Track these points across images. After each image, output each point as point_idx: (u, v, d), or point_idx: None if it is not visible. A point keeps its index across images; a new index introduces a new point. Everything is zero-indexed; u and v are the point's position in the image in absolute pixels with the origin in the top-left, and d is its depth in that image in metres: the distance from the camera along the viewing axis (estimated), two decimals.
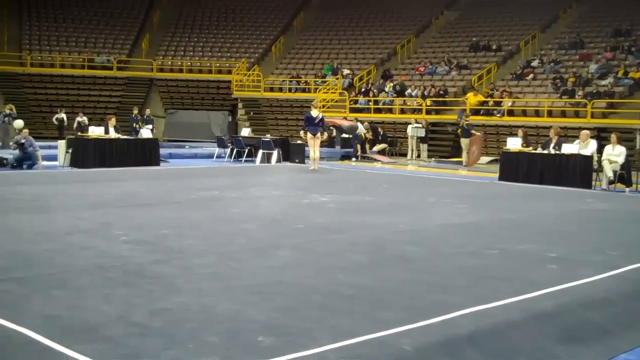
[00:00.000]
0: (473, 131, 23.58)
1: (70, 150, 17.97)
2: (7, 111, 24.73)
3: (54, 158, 18.72)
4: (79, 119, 27.46)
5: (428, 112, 27.41)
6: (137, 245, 7.33)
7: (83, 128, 25.71)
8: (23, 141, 17.20)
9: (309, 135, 18.90)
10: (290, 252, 7.35)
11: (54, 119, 28.74)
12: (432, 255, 7.45)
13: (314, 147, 18.89)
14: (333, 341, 4.43)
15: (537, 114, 25.09)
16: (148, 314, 4.88)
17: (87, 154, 17.92)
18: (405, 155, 26.24)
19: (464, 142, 23.30)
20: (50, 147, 20.20)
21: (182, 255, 6.97)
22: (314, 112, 19.04)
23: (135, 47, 36.89)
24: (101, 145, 18.32)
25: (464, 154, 23.25)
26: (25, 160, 17.19)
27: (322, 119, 19.15)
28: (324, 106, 29.95)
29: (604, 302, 5.83)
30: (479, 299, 5.55)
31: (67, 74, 34.12)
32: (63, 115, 28.41)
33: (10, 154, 18.29)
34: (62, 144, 18.52)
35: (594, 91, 24.46)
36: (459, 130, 23.82)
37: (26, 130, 17.78)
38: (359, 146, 24.95)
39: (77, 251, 6.96)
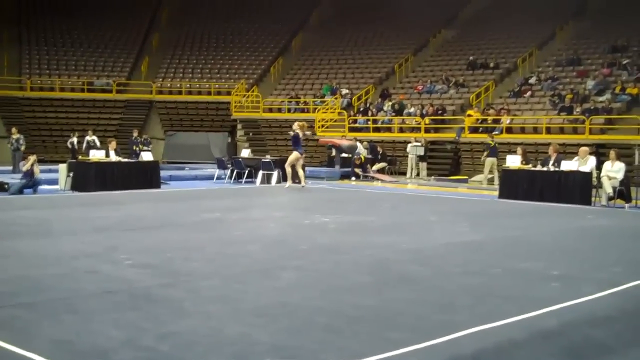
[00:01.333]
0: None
1: (71, 174, 18.02)
2: (14, 137, 24.79)
3: (54, 182, 18.77)
4: (88, 138, 27.19)
5: (427, 130, 27.52)
6: (143, 269, 7.37)
7: (92, 147, 25.70)
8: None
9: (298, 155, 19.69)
10: (294, 274, 7.40)
11: (67, 143, 28.24)
12: (436, 274, 7.50)
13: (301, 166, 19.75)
14: None
15: (536, 131, 25.21)
16: (156, 338, 4.92)
17: (88, 178, 17.97)
18: (404, 174, 26.32)
19: (491, 161, 23.18)
20: (50, 171, 20.27)
21: (188, 278, 7.02)
22: (300, 133, 19.89)
23: (134, 70, 37.10)
24: (102, 168, 18.38)
25: (486, 173, 23.22)
26: (28, 187, 17.23)
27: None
28: (322, 126, 30.12)
29: (607, 320, 5.87)
30: (483, 318, 5.60)
31: (66, 97, 34.32)
32: (75, 139, 28.01)
33: (11, 178, 18.37)
34: (62, 167, 18.57)
35: (592, 107, 24.59)
36: (486, 152, 23.51)
37: (33, 157, 17.74)
38: (355, 164, 25.02)
39: (83, 276, 7.01)
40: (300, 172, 19.85)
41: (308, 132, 20.16)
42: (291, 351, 4.73)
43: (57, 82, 34.69)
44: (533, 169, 17.83)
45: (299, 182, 19.64)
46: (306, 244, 9.41)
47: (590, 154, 17.46)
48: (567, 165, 16.71)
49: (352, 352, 4.71)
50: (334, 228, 11.12)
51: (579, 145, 19.67)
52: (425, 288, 6.80)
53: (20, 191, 17.07)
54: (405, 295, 6.46)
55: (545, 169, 17.25)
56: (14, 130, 25.50)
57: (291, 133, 20.41)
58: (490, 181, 23.08)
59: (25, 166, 17.60)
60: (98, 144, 25.44)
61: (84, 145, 26.87)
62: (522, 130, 25.60)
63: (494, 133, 24.77)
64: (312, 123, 30.44)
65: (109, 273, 7.16)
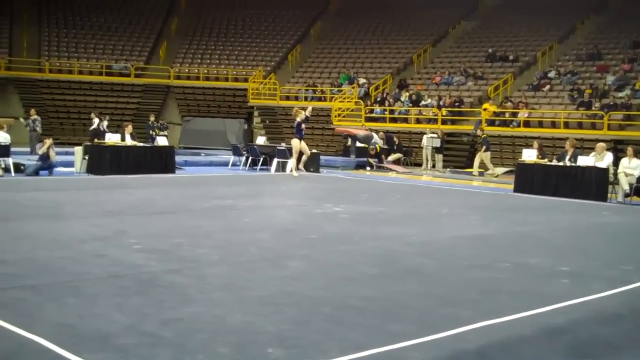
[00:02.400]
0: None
1: (86, 157, 18.09)
2: (32, 118, 24.89)
3: (70, 164, 18.86)
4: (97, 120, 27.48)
5: (444, 122, 27.39)
6: (151, 254, 7.38)
7: (100, 131, 25.76)
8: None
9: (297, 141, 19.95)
10: (301, 263, 7.38)
11: (96, 126, 27.98)
12: (443, 267, 7.45)
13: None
14: (342, 354, 4.45)
15: (554, 125, 25.02)
16: (160, 324, 4.91)
17: (103, 161, 18.04)
18: (420, 165, 26.22)
19: (486, 156, 23.27)
20: (67, 154, 20.36)
21: (195, 265, 7.01)
22: (299, 118, 20.09)
23: (152, 55, 37.16)
24: (117, 152, 18.44)
25: (489, 164, 23.42)
26: (43, 169, 17.33)
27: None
28: (339, 115, 30.05)
29: (615, 318, 5.81)
30: (489, 313, 5.55)
31: (85, 81, 34.40)
32: (105, 123, 27.71)
33: (28, 159, 18.48)
34: (78, 150, 18.64)
35: (611, 103, 24.36)
36: (481, 147, 23.66)
37: (49, 140, 17.82)
38: (371, 154, 24.92)
39: (91, 259, 7.02)
40: (294, 161, 20.01)
41: (306, 114, 20.04)
42: (294, 341, 4.71)
43: (75, 64, 34.79)
44: (549, 163, 17.69)
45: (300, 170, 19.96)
46: (316, 233, 9.39)
47: (608, 149, 17.29)
48: (583, 161, 16.56)
49: (355, 343, 4.68)
50: (345, 218, 11.09)
51: (597, 140, 19.49)
52: (431, 281, 6.76)
53: (36, 173, 17.18)
54: (411, 288, 6.42)
55: (561, 163, 17.11)
56: (32, 111, 25.62)
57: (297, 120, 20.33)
58: (488, 173, 23.32)
59: (41, 149, 17.69)
60: (104, 127, 25.36)
61: (92, 127, 26.91)
62: (540, 125, 25.42)
63: (479, 126, 24.93)
64: (328, 112, 30.43)
65: (116, 257, 7.16)
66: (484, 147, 23.52)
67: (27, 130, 24.73)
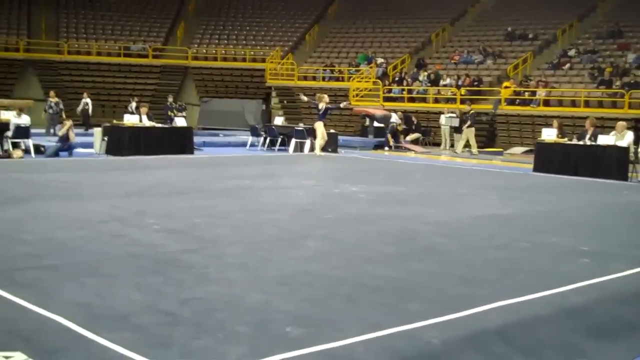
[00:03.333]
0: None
1: (106, 138, 18.16)
2: (52, 100, 25.00)
3: (90, 145, 18.97)
4: (84, 100, 27.47)
5: (462, 101, 27.21)
6: (169, 234, 7.41)
7: (87, 111, 25.85)
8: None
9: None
10: (319, 243, 7.38)
11: (128, 108, 27.41)
12: (462, 247, 7.42)
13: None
14: (360, 333, 4.45)
15: (574, 104, 24.77)
16: (178, 303, 4.94)
17: (122, 142, 18.09)
18: (439, 144, 26.08)
19: (471, 132, 23.83)
20: (85, 135, 20.48)
21: (213, 245, 7.03)
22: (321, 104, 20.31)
23: (170, 35, 37.14)
24: (136, 133, 18.49)
25: (464, 141, 23.94)
26: (63, 150, 17.44)
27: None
28: (357, 95, 29.94)
29: (635, 298, 5.77)
30: (508, 292, 5.53)
31: (103, 62, 34.48)
32: (134, 104, 27.56)
33: (48, 141, 18.60)
34: (97, 131, 18.76)
35: (632, 81, 24.08)
36: (466, 123, 24.10)
37: (69, 122, 17.91)
38: (389, 136, 24.80)
39: (109, 239, 7.06)
40: (318, 142, 20.15)
41: (327, 105, 20.30)
42: (312, 320, 4.72)
43: (94, 46, 34.87)
44: (569, 142, 17.54)
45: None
46: (333, 213, 9.38)
47: (629, 128, 17.12)
48: (604, 140, 16.40)
49: (373, 323, 4.68)
50: (363, 198, 11.07)
51: (617, 119, 19.28)
52: (449, 260, 6.74)
53: (56, 154, 17.30)
54: (429, 268, 6.40)
55: (581, 142, 16.96)
56: (52, 93, 25.74)
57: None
58: (466, 148, 23.87)
59: (61, 130, 17.80)
60: (60, 107, 25.31)
61: (80, 107, 27.09)
62: (560, 103, 25.18)
63: (468, 103, 25.12)
64: (346, 92, 30.31)
65: (134, 237, 7.20)
66: (468, 122, 23.84)
67: (48, 113, 24.79)
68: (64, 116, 24.11)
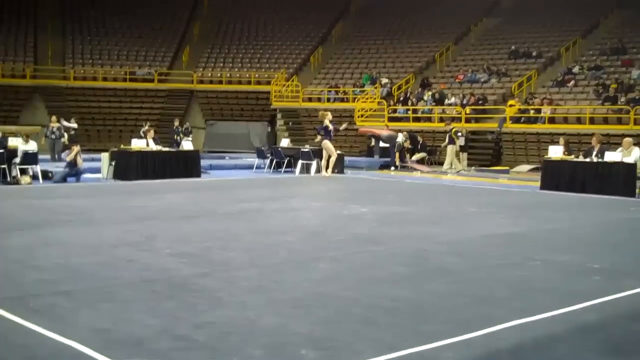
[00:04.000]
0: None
1: (113, 163, 18.24)
2: (54, 125, 24.44)
3: (97, 170, 19.04)
4: (65, 123, 25.93)
5: (467, 120, 27.27)
6: (181, 258, 7.43)
7: (70, 134, 24.87)
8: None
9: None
10: (330, 265, 7.39)
11: (141, 132, 26.84)
12: (474, 266, 7.42)
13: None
14: (375, 354, 4.45)
15: (579, 121, 24.80)
16: (193, 328, 4.95)
17: (129, 167, 18.15)
18: (440, 164, 26.14)
19: (451, 150, 24.27)
20: (93, 160, 20.56)
21: (226, 268, 7.05)
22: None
23: (175, 60, 37.40)
24: (143, 157, 18.56)
25: (449, 160, 24.38)
26: (71, 176, 17.51)
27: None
28: (362, 115, 30.04)
29: None
30: (521, 311, 5.52)
31: (109, 87, 34.73)
32: (146, 127, 26.83)
33: (56, 166, 18.67)
34: (105, 156, 18.82)
35: (637, 97, 24.11)
36: (447, 140, 24.57)
37: (77, 147, 17.91)
38: (397, 154, 24.89)
39: (122, 264, 7.09)
40: (324, 163, 20.38)
41: (330, 124, 20.41)
42: (327, 342, 4.73)
43: (99, 71, 35.13)
44: (575, 159, 17.55)
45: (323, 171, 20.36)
46: (343, 234, 9.40)
47: (635, 144, 17.13)
48: (610, 156, 16.41)
49: (387, 344, 4.68)
50: (372, 219, 11.08)
51: (623, 135, 19.28)
52: (462, 280, 6.74)
53: (63, 179, 17.37)
54: (442, 288, 6.40)
55: (588, 160, 16.97)
56: (53, 119, 25.14)
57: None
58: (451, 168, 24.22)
59: (69, 156, 17.87)
60: (62, 132, 24.50)
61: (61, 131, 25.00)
62: (565, 121, 25.22)
63: (447, 122, 25.84)
64: (351, 112, 30.42)
65: (147, 262, 7.23)
66: (446, 141, 24.39)
67: (49, 138, 24.08)
68: (65, 139, 23.97)
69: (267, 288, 6.22)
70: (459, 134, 24.89)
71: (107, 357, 4.29)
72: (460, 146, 25.39)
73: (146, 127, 24.86)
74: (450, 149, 24.30)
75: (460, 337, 4.87)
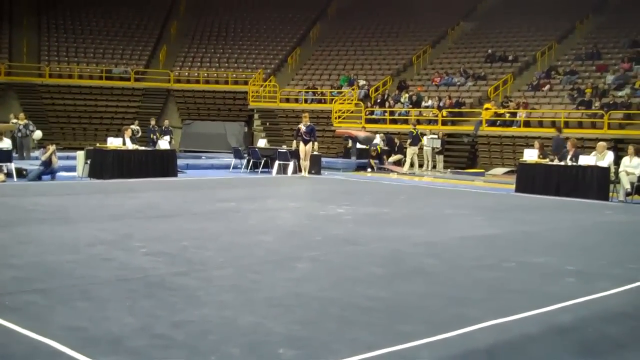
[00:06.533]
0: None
1: (88, 161, 18.10)
2: (21, 123, 23.05)
3: (72, 169, 18.89)
4: (14, 120, 23.90)
5: (444, 123, 27.42)
6: (158, 257, 7.41)
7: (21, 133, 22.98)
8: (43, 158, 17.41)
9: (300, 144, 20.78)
10: (308, 265, 7.41)
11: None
12: (450, 267, 7.48)
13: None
14: (352, 354, 4.48)
15: (554, 125, 25.00)
16: (171, 326, 4.95)
17: (105, 165, 18.02)
18: (421, 166, 26.23)
19: (411, 150, 24.65)
20: (68, 158, 20.39)
21: (202, 267, 7.04)
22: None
23: (152, 58, 37.20)
24: (119, 156, 18.43)
25: (409, 161, 24.79)
26: (46, 174, 17.35)
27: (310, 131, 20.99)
28: (339, 117, 30.09)
29: (622, 316, 5.84)
30: (497, 312, 5.58)
31: (85, 85, 34.44)
32: (136, 128, 25.75)
33: (30, 164, 18.48)
34: (80, 155, 18.66)
35: (611, 102, 24.39)
36: (409, 140, 24.91)
37: (52, 147, 17.71)
38: (373, 155, 25.00)
39: (98, 263, 7.06)
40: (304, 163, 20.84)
41: (303, 128, 20.78)
42: (304, 342, 4.75)
43: (75, 69, 34.84)
44: (550, 163, 17.72)
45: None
46: (321, 235, 9.42)
47: (608, 149, 17.34)
48: (584, 160, 16.59)
49: (365, 343, 4.71)
50: (349, 219, 11.11)
51: (598, 140, 19.52)
52: (438, 281, 6.79)
53: (38, 177, 17.19)
54: (419, 288, 6.45)
55: (562, 163, 17.14)
56: (21, 116, 23.95)
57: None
58: (411, 168, 24.66)
59: (44, 155, 17.70)
60: (29, 129, 23.12)
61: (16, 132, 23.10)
62: (540, 124, 25.44)
63: (411, 123, 26.23)
64: (328, 114, 30.46)
65: (123, 260, 7.20)
66: (409, 141, 24.74)
67: (17, 136, 22.61)
68: (30, 136, 23.16)
69: (244, 287, 6.23)
70: (427, 137, 25.21)
71: (84, 356, 4.27)
72: (437, 149, 25.53)
73: (133, 126, 24.47)
74: (411, 150, 24.63)
75: (436, 336, 4.91)
